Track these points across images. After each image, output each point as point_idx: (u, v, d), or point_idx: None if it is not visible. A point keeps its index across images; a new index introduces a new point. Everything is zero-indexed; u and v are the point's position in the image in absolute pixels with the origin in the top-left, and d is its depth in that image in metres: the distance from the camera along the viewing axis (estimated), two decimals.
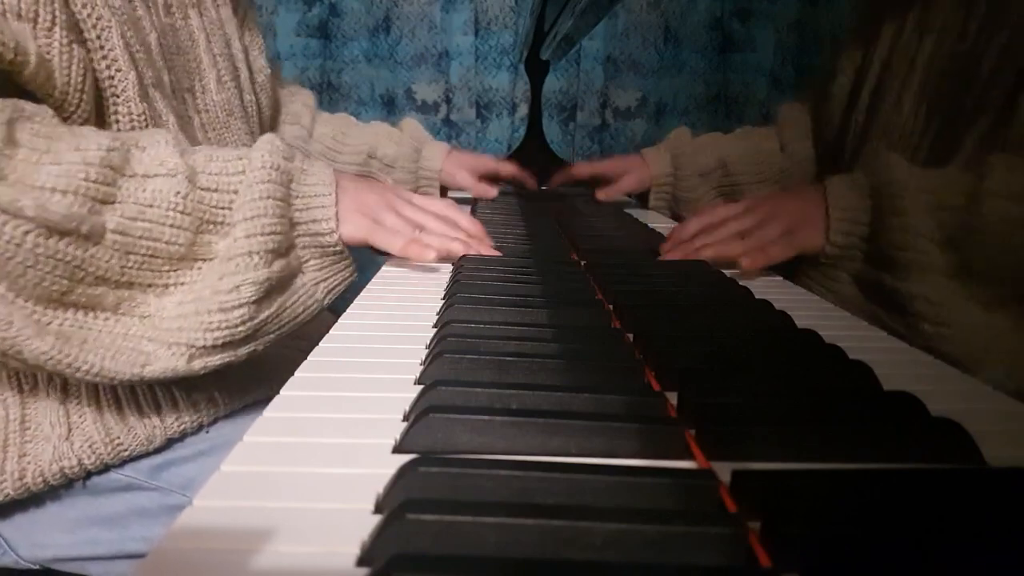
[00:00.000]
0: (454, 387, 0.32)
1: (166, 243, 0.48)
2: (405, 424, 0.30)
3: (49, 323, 0.45)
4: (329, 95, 1.53)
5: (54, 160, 0.43)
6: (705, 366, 0.37)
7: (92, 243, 0.45)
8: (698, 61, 1.57)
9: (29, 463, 0.53)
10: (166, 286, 0.50)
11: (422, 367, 0.37)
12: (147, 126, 0.56)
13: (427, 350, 0.40)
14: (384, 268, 0.63)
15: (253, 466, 0.27)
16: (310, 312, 0.57)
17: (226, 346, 0.50)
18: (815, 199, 0.65)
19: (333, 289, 0.60)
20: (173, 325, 0.49)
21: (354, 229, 0.59)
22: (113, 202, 0.46)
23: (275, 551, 0.22)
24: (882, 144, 0.79)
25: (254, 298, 0.50)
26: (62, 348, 0.45)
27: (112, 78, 0.54)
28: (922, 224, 0.57)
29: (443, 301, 0.51)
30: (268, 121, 0.90)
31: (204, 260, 0.51)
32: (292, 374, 0.37)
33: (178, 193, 0.48)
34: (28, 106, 0.45)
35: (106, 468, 0.56)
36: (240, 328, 0.50)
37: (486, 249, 0.65)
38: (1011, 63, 0.65)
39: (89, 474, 0.56)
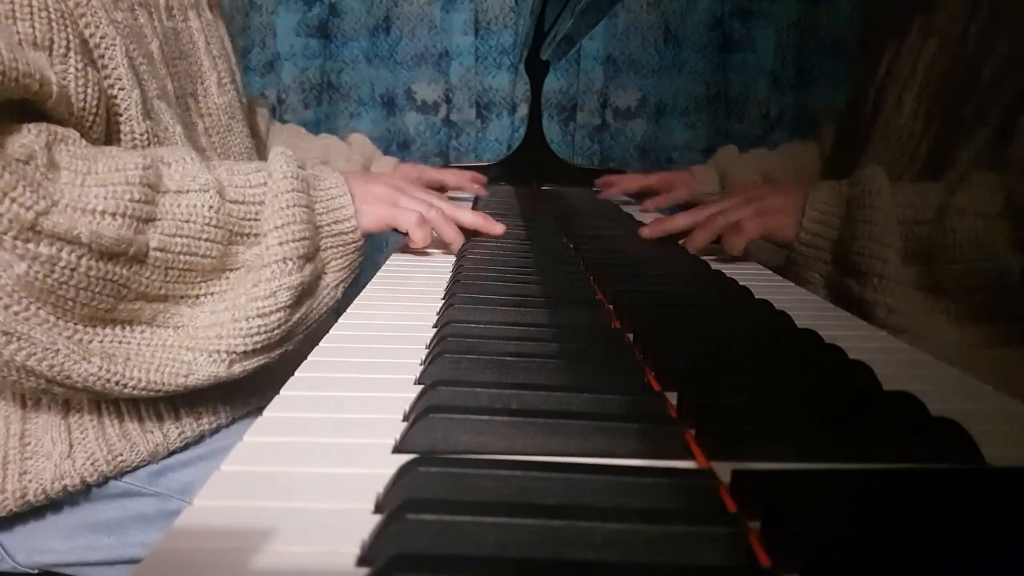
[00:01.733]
0: (454, 387, 0.32)
1: (201, 256, 0.50)
2: (405, 424, 0.30)
3: (91, 342, 0.47)
4: (329, 95, 1.53)
5: (98, 182, 0.44)
6: (705, 366, 0.37)
7: (138, 262, 0.46)
8: (698, 61, 1.57)
9: (31, 481, 0.53)
10: (197, 296, 0.52)
11: (422, 367, 0.37)
12: (148, 145, 0.56)
13: (427, 350, 0.40)
14: (384, 268, 0.63)
15: (253, 466, 0.27)
16: (329, 311, 0.59)
17: (263, 349, 0.53)
18: (796, 195, 0.67)
19: (344, 283, 0.62)
20: (211, 333, 0.51)
21: (373, 219, 0.63)
22: (154, 219, 0.47)
23: (275, 551, 0.22)
24: (880, 148, 0.79)
25: (289, 302, 0.53)
26: (108, 367, 0.47)
27: (115, 97, 0.53)
28: (887, 234, 0.58)
29: (443, 301, 0.51)
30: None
31: (232, 270, 0.53)
32: (292, 376, 0.37)
33: (211, 208, 0.50)
34: (59, 129, 0.45)
35: (106, 480, 0.56)
36: (276, 332, 0.53)
37: (494, 226, 0.70)
38: (1011, 70, 0.65)
39: (89, 487, 0.56)
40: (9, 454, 0.53)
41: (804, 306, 0.53)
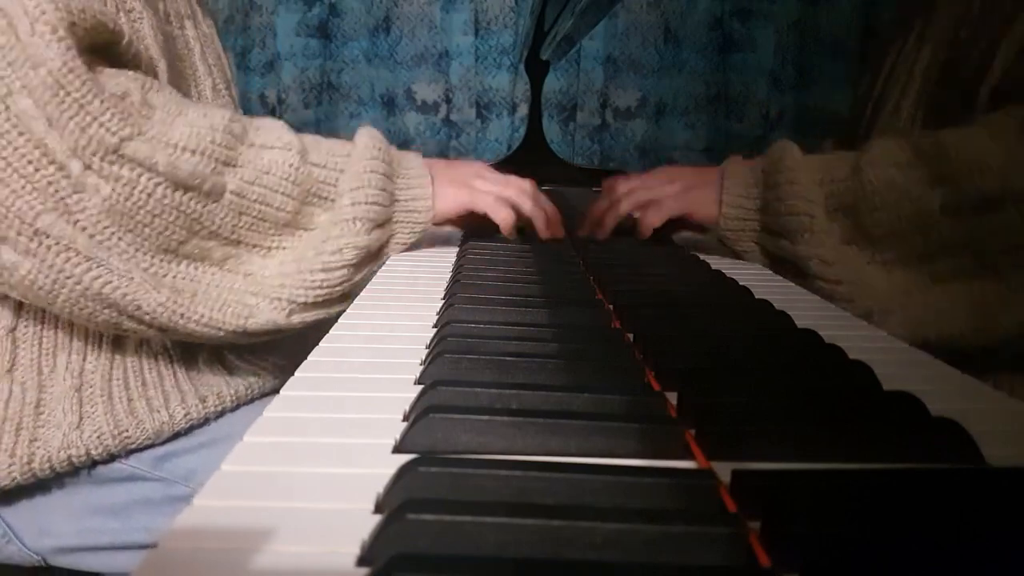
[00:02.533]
0: (454, 387, 0.32)
1: (276, 208, 0.54)
2: (405, 424, 0.30)
3: (165, 275, 0.51)
4: (329, 95, 1.53)
5: (186, 122, 0.49)
6: (705, 366, 0.38)
7: (212, 200, 0.50)
8: (698, 61, 1.57)
9: (39, 448, 0.54)
10: (269, 248, 0.55)
11: (422, 367, 0.37)
12: None
13: (427, 350, 0.40)
14: (384, 268, 0.63)
15: (253, 466, 0.27)
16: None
17: (323, 304, 0.56)
18: (712, 173, 0.70)
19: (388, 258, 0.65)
20: (276, 282, 0.54)
21: (452, 202, 0.66)
22: (234, 165, 0.51)
23: (275, 551, 0.22)
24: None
25: (354, 261, 0.56)
26: (176, 299, 0.51)
27: (152, 64, 0.56)
28: (809, 191, 0.61)
29: (443, 301, 0.51)
30: None
31: (305, 230, 0.56)
32: (296, 366, 0.37)
33: (291, 165, 0.53)
34: (156, 81, 0.51)
35: (111, 458, 0.57)
36: (338, 288, 0.56)
37: (555, 230, 0.73)
38: (997, 72, 0.66)
39: (94, 463, 0.56)
40: (23, 421, 0.54)
41: (804, 306, 0.53)
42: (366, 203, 0.57)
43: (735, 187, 0.68)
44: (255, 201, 0.52)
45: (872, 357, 0.38)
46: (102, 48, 0.49)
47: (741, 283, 0.57)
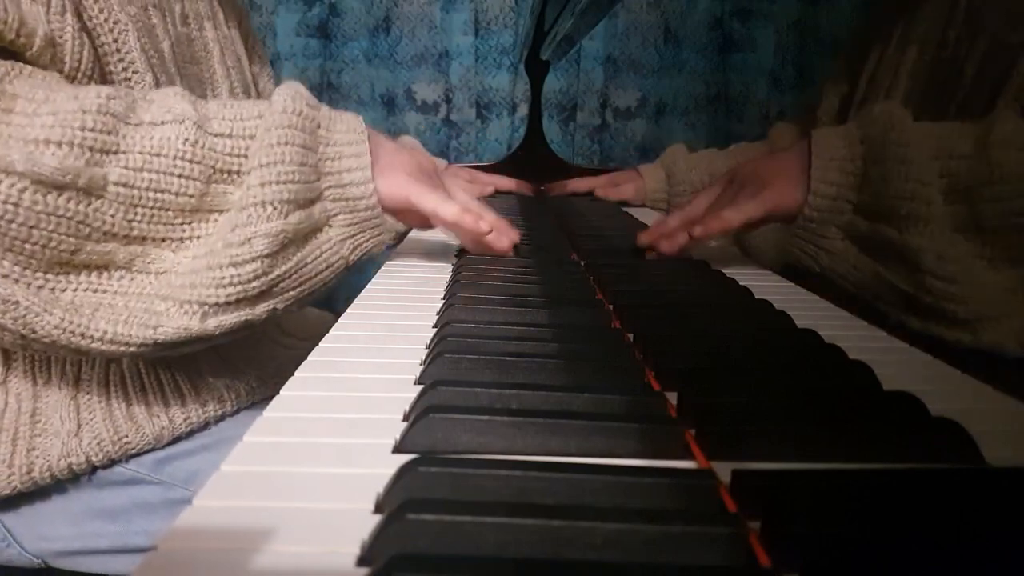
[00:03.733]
0: (454, 387, 0.32)
1: (175, 194, 0.46)
2: (405, 424, 0.30)
3: (64, 290, 0.44)
4: (329, 95, 1.53)
5: (50, 111, 0.41)
6: (705, 366, 0.37)
7: (94, 196, 0.43)
8: (698, 61, 1.57)
9: (37, 457, 0.54)
10: (180, 240, 0.47)
11: (422, 367, 0.37)
12: None
13: (427, 350, 0.40)
14: (384, 268, 0.63)
15: (253, 466, 0.27)
16: (334, 270, 0.54)
17: (240, 303, 0.48)
18: (798, 154, 0.60)
19: (361, 246, 0.55)
20: (186, 281, 0.47)
21: (395, 187, 0.54)
22: (116, 151, 0.44)
23: (275, 551, 0.22)
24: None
25: (267, 251, 0.47)
26: (72, 319, 0.44)
27: (129, 80, 0.54)
28: (925, 172, 0.53)
29: (443, 301, 0.51)
30: None
31: (220, 211, 0.48)
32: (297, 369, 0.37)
33: (186, 140, 0.45)
34: (28, 67, 0.44)
35: (112, 463, 0.57)
36: (254, 284, 0.47)
37: (510, 236, 0.62)
38: (993, 67, 0.65)
39: (95, 469, 0.56)
40: (19, 430, 0.54)
41: (804, 306, 0.53)
42: (278, 182, 0.47)
43: (830, 163, 0.57)
44: (147, 189, 0.44)
45: (872, 357, 0.38)
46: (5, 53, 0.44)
47: (741, 283, 0.57)
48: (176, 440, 0.59)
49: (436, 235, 0.75)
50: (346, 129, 0.53)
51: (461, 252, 0.66)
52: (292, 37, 1.51)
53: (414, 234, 0.80)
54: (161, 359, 0.58)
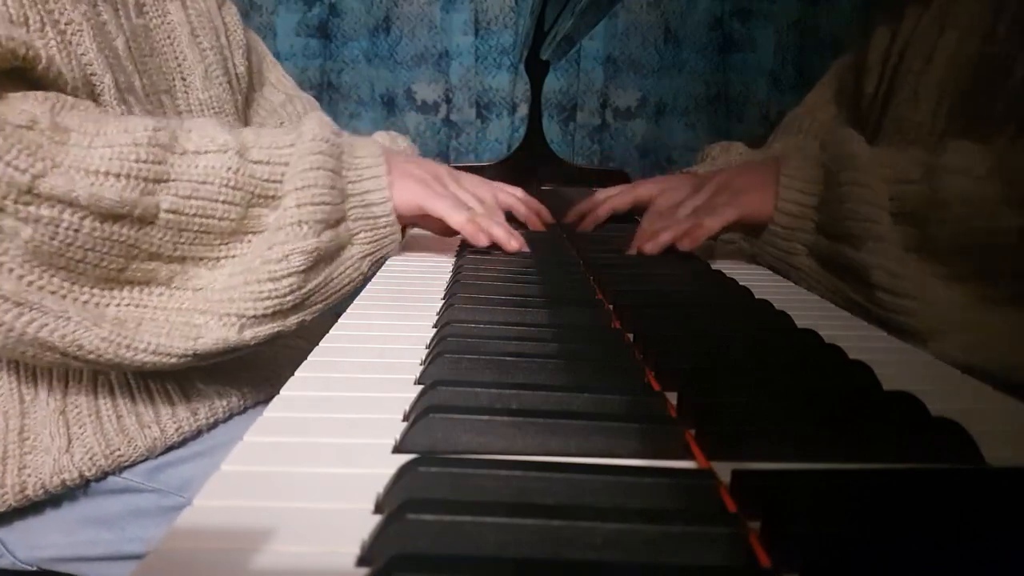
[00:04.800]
0: (454, 387, 0.32)
1: (218, 219, 0.49)
2: (405, 424, 0.30)
3: (108, 305, 0.47)
4: (329, 95, 1.53)
5: (106, 143, 0.44)
6: (705, 366, 0.37)
7: (146, 223, 0.46)
8: (698, 61, 1.57)
9: (30, 475, 0.53)
10: (217, 259, 0.51)
11: (422, 367, 0.37)
12: None
13: (427, 350, 0.40)
14: (384, 268, 0.63)
15: (253, 466, 0.27)
16: (353, 284, 0.58)
17: (276, 315, 0.52)
18: (768, 169, 0.64)
19: (377, 261, 0.60)
20: (224, 296, 0.50)
21: (409, 196, 0.59)
22: (166, 180, 0.47)
23: (275, 551, 0.22)
24: (892, 143, 0.76)
25: (303, 267, 0.51)
26: (119, 331, 0.47)
27: (89, 80, 0.53)
28: (878, 196, 0.56)
29: (443, 301, 0.51)
30: (247, 86, 0.84)
31: (255, 233, 0.52)
32: (292, 375, 0.37)
33: (229, 168, 0.49)
34: (70, 98, 0.46)
35: (105, 475, 0.56)
36: (289, 297, 0.51)
37: (516, 244, 0.64)
38: None
39: (88, 482, 0.56)
40: (8, 449, 0.53)
41: (804, 306, 0.53)
42: (312, 204, 0.52)
43: (794, 183, 0.61)
44: (195, 215, 0.48)
45: (872, 357, 0.38)
46: (15, 73, 0.46)
47: (741, 283, 0.57)
48: (169, 449, 0.58)
49: (436, 235, 0.75)
50: (366, 154, 0.58)
51: (461, 252, 0.66)
52: (292, 37, 1.51)
53: (414, 234, 0.80)
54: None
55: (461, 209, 0.60)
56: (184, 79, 0.67)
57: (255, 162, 0.51)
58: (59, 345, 0.45)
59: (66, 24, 0.51)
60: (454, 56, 1.51)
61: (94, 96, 0.53)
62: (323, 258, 0.54)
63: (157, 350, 0.48)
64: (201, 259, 0.50)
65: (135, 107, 0.58)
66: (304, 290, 0.52)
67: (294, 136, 0.53)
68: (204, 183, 0.48)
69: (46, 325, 0.44)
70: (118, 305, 0.48)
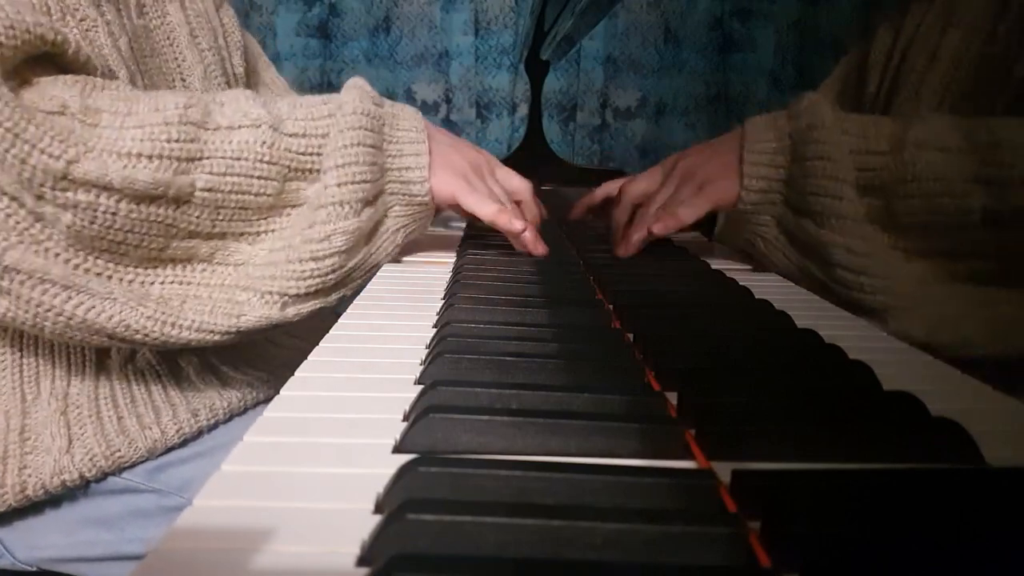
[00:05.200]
0: (454, 387, 0.32)
1: (255, 195, 0.49)
2: (405, 424, 0.30)
3: (152, 283, 0.48)
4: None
5: (137, 123, 0.44)
6: (705, 366, 0.37)
7: (182, 202, 0.46)
8: (698, 61, 1.57)
9: (30, 476, 0.53)
10: (257, 233, 0.51)
11: (422, 367, 0.37)
12: None
13: (427, 350, 0.40)
14: (384, 268, 0.63)
15: (253, 466, 0.27)
16: (390, 256, 0.58)
17: (318, 293, 0.52)
18: (731, 146, 0.62)
19: (410, 233, 0.60)
20: (265, 273, 0.50)
21: (445, 185, 0.59)
22: (200, 158, 0.46)
23: (275, 551, 0.22)
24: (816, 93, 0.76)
25: (344, 247, 0.51)
26: (164, 309, 0.47)
27: (112, 71, 0.53)
28: (841, 169, 0.55)
29: (443, 301, 0.51)
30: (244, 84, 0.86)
31: (293, 206, 0.52)
32: (292, 375, 0.37)
33: (264, 143, 0.48)
34: (99, 80, 0.46)
35: (105, 476, 0.56)
36: (331, 276, 0.52)
37: (540, 248, 0.64)
38: None
39: (88, 482, 0.56)
40: (9, 449, 0.53)
41: (804, 306, 0.53)
42: (352, 182, 0.51)
43: (759, 158, 0.60)
44: (231, 192, 0.48)
45: (872, 357, 0.38)
46: (46, 58, 0.46)
47: (741, 283, 0.57)
48: (169, 449, 0.58)
49: (436, 235, 0.75)
50: (408, 127, 0.57)
51: (461, 252, 0.66)
52: (292, 37, 1.51)
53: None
54: (151, 370, 0.58)
55: (492, 201, 0.60)
56: (184, 79, 0.67)
57: (291, 135, 0.50)
58: (107, 326, 0.46)
59: (82, 19, 0.52)
60: (454, 56, 1.51)
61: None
62: (363, 235, 0.54)
63: (201, 327, 0.49)
64: (241, 234, 0.50)
65: None
66: (346, 268, 0.53)
67: (333, 106, 0.52)
68: (239, 159, 0.48)
69: (93, 307, 0.45)
70: (162, 283, 0.48)
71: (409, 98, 1.53)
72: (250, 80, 0.83)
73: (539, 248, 0.64)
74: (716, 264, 0.66)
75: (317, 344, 0.42)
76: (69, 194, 0.42)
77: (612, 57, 1.55)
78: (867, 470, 0.28)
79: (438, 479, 0.24)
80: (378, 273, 0.61)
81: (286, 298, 0.50)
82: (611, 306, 0.50)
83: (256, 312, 0.50)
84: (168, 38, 0.66)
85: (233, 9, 0.80)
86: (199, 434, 0.60)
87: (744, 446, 0.28)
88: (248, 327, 0.50)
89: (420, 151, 0.57)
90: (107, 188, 0.43)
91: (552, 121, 1.56)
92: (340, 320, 0.47)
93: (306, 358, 0.39)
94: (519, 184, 0.67)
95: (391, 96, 1.53)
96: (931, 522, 0.23)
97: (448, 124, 1.55)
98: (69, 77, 0.44)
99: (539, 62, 1.25)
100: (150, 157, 0.44)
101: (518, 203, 0.67)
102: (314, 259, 0.50)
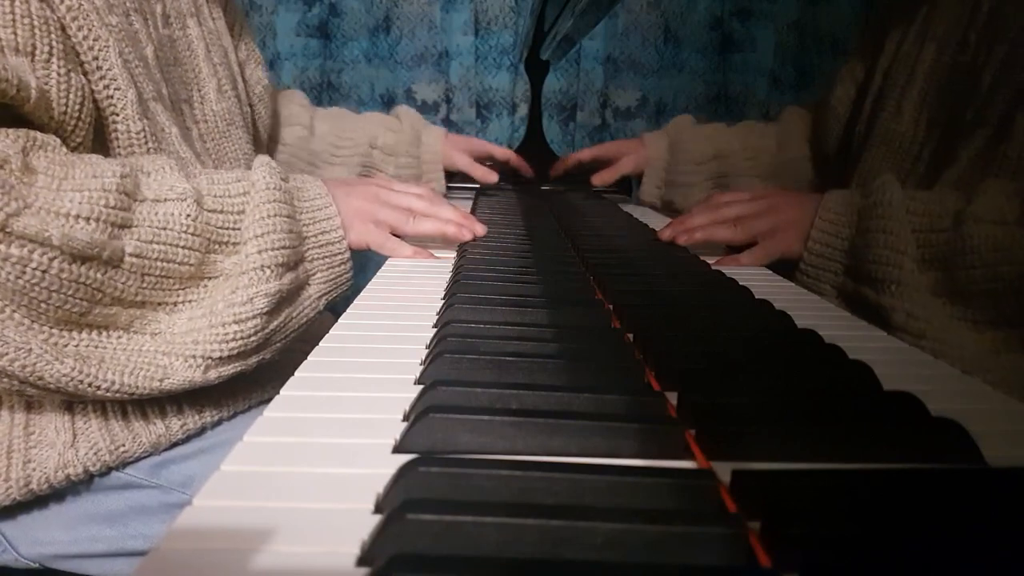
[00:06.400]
0: (454, 387, 0.32)
1: (179, 264, 0.50)
2: (405, 424, 0.30)
3: (66, 345, 0.47)
4: (329, 95, 1.53)
5: (74, 187, 0.44)
6: (705, 366, 0.37)
7: (112, 267, 0.47)
8: (698, 61, 1.57)
9: (34, 470, 0.53)
10: (175, 304, 0.52)
11: (422, 367, 0.37)
12: (146, 143, 0.57)
13: (427, 350, 0.40)
14: (384, 268, 0.63)
15: (253, 466, 0.27)
16: (310, 322, 0.60)
17: (240, 356, 0.53)
18: (809, 207, 0.67)
19: (333, 300, 0.64)
20: (188, 339, 0.51)
21: (359, 237, 0.64)
22: (130, 226, 0.47)
23: (275, 551, 0.22)
24: (880, 154, 0.79)
25: (266, 309, 0.53)
26: (82, 368, 0.47)
27: (111, 97, 0.54)
28: (902, 241, 0.58)
29: (443, 301, 0.51)
30: (268, 129, 0.91)
31: (210, 278, 0.53)
32: (294, 370, 0.37)
33: (188, 216, 0.50)
34: (39, 135, 0.46)
35: (108, 471, 0.57)
36: (253, 338, 0.53)
37: (479, 229, 0.70)
38: (1010, 77, 0.65)
39: (92, 477, 0.56)
40: (13, 443, 0.53)
41: (804, 306, 0.53)
42: (273, 249, 0.54)
43: (827, 226, 0.64)
44: (157, 259, 0.49)
45: (872, 357, 0.38)
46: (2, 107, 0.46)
47: (741, 283, 0.57)
48: (172, 445, 0.59)
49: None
50: (314, 195, 0.61)
51: (461, 252, 0.66)
52: (292, 37, 1.51)
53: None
54: None
55: (404, 246, 0.66)
56: (200, 91, 0.70)
57: (210, 211, 0.52)
58: (19, 375, 0.45)
59: (93, 41, 0.52)
60: (454, 56, 1.51)
61: (110, 114, 0.54)
62: (284, 299, 0.56)
63: (122, 388, 0.49)
64: (160, 304, 0.51)
65: (160, 116, 0.59)
66: (267, 330, 0.54)
67: (247, 184, 0.55)
68: (165, 228, 0.49)
69: (6, 355, 0.44)
70: (76, 346, 0.48)
71: (409, 98, 1.53)
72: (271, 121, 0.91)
73: (477, 228, 0.69)
74: (716, 264, 0.66)
75: (317, 344, 0.42)
76: (2, 246, 0.41)
77: (612, 57, 1.55)
78: (867, 470, 0.28)
79: (438, 479, 0.24)
80: (378, 273, 0.61)
81: (209, 360, 0.51)
82: (611, 306, 0.50)
83: (179, 375, 0.51)
84: (189, 49, 0.69)
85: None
86: (202, 430, 0.60)
87: (744, 446, 0.28)
88: (171, 389, 0.51)
89: (331, 214, 0.61)
90: (44, 244, 0.43)
91: (552, 121, 1.56)
92: (340, 320, 0.47)
93: (313, 351, 0.40)
94: (415, 199, 0.69)
95: (391, 96, 1.53)
96: (931, 522, 0.23)
97: (448, 124, 1.55)
98: (12, 132, 0.44)
99: (539, 62, 1.25)
100: (88, 219, 0.44)
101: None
102: (236, 321, 0.52)
